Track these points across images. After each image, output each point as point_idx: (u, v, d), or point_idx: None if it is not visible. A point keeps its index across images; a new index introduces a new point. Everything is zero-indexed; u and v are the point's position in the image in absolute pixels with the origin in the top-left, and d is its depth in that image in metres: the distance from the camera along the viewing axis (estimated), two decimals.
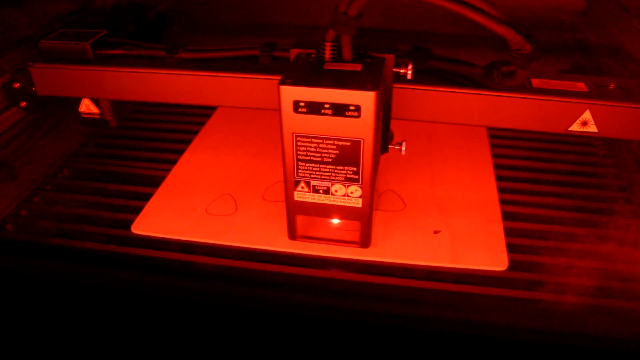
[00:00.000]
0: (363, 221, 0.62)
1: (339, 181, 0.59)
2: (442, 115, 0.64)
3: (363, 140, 0.55)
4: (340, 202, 0.60)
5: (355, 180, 0.58)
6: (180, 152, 0.84)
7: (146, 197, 0.74)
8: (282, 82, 0.54)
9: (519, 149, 0.85)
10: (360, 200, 0.60)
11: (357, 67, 0.57)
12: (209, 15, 1.19)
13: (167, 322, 0.58)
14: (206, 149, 0.85)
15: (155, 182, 0.77)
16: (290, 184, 0.60)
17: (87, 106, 0.74)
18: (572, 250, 0.65)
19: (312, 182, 0.60)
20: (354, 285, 0.62)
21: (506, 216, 0.70)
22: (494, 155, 0.82)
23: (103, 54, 0.71)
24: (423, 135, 0.88)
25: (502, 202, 0.72)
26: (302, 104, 0.54)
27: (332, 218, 0.62)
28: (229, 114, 0.95)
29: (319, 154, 0.57)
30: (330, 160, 0.57)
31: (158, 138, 0.89)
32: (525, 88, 0.63)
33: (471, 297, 0.60)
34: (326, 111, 0.54)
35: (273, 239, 0.66)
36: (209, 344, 0.57)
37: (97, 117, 0.75)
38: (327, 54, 0.57)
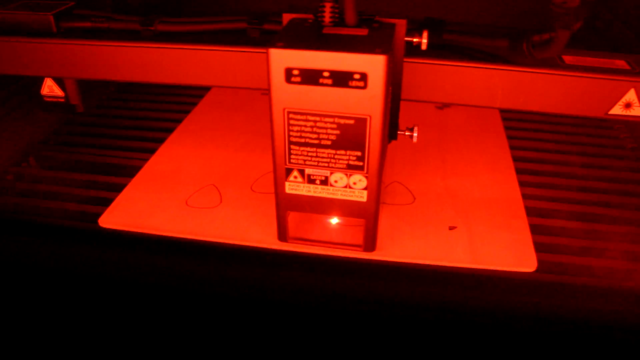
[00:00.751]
0: (368, 219, 0.52)
1: (339, 169, 0.49)
2: (460, 96, 0.56)
3: (370, 117, 0.46)
4: (341, 195, 0.51)
5: (360, 168, 0.49)
6: (162, 141, 0.76)
7: (119, 189, 0.66)
8: (271, 45, 0.44)
9: (535, 139, 0.79)
10: (365, 193, 0.50)
11: (363, 31, 0.47)
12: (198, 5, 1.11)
13: (137, 328, 0.51)
14: (191, 137, 0.77)
15: (131, 173, 0.70)
16: (281, 173, 0.51)
17: (50, 88, 0.65)
18: (607, 250, 0.59)
19: (307, 171, 0.50)
20: (357, 291, 0.54)
21: (529, 211, 0.63)
22: (511, 147, 0.76)
23: (68, 26, 0.62)
24: (432, 121, 0.81)
25: (524, 196, 0.66)
26: (295, 72, 0.45)
27: (331, 214, 0.53)
28: (221, 98, 0.88)
29: (315, 135, 0.48)
30: (329, 142, 0.48)
31: (138, 126, 0.82)
32: (557, 64, 0.54)
33: (496, 303, 0.53)
34: (325, 81, 0.44)
35: (261, 235, 0.58)
36: (182, 354, 0.50)
37: (62, 100, 0.66)
38: (327, 18, 0.48)
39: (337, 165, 0.49)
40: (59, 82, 0.65)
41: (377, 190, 0.50)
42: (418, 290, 0.54)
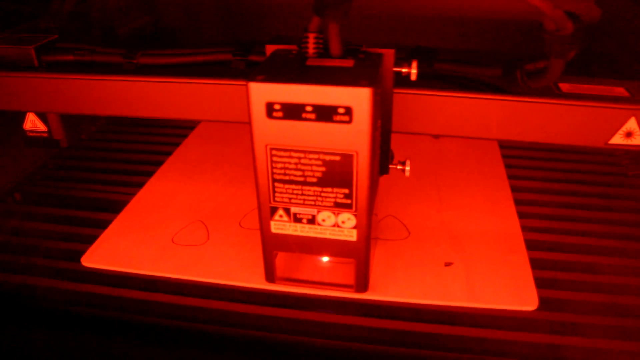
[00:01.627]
0: (359, 259, 0.50)
1: (327, 207, 0.47)
2: (455, 127, 0.53)
3: (357, 152, 0.43)
4: (330, 234, 0.48)
5: (348, 206, 0.46)
6: (150, 175, 0.74)
7: (105, 225, 0.64)
8: (251, 79, 0.42)
9: (534, 167, 0.77)
10: (355, 232, 0.48)
11: (349, 62, 0.45)
12: (189, 35, 1.11)
13: None
14: (179, 171, 0.75)
15: (118, 208, 0.67)
16: (266, 212, 0.48)
17: (32, 122, 0.64)
18: (613, 285, 0.56)
19: (293, 209, 0.48)
20: (349, 331, 0.51)
21: (529, 245, 0.60)
22: (510, 177, 0.73)
23: (50, 60, 0.60)
24: (428, 152, 0.79)
25: (523, 228, 0.63)
26: (277, 106, 0.42)
27: (319, 254, 0.51)
28: (209, 132, 0.86)
29: (300, 172, 0.45)
30: (315, 180, 0.45)
31: (127, 159, 0.80)
32: (553, 93, 0.52)
33: (495, 343, 0.49)
34: (308, 115, 0.42)
35: (249, 274, 0.56)
36: None
37: (45, 135, 0.64)
38: (311, 48, 0.46)
39: (324, 204, 0.47)
40: (42, 116, 0.64)
41: (367, 229, 0.47)
42: (413, 330, 0.51)
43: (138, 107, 0.58)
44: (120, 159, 0.80)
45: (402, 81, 0.50)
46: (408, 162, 0.54)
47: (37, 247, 0.62)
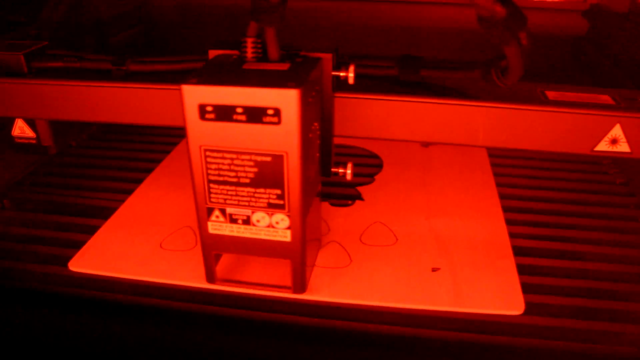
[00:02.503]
0: (294, 260, 0.50)
1: (260, 208, 0.47)
2: (440, 135, 0.53)
3: (286, 153, 0.44)
4: (265, 235, 0.49)
5: (281, 207, 0.47)
6: (140, 182, 0.75)
7: (93, 231, 0.64)
8: (185, 81, 0.43)
9: (522, 176, 0.77)
10: (289, 232, 0.48)
11: (284, 66, 0.46)
12: (181, 43, 1.12)
13: None
14: (169, 178, 0.75)
15: (107, 214, 0.67)
16: (203, 213, 0.49)
17: (21, 129, 0.64)
18: (599, 291, 0.56)
19: (229, 210, 0.48)
20: (333, 335, 0.51)
21: (516, 251, 0.60)
22: (498, 185, 0.73)
23: (40, 66, 0.61)
24: (416, 159, 0.79)
25: (511, 235, 0.63)
26: (209, 108, 0.43)
27: (256, 255, 0.51)
28: None
29: (234, 173, 0.46)
30: (248, 180, 0.46)
31: (117, 166, 0.80)
32: (540, 100, 0.52)
33: (481, 348, 0.49)
34: (239, 117, 0.43)
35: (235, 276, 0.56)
36: None
37: (34, 142, 0.64)
38: (249, 53, 0.47)
39: (258, 204, 0.47)
40: (30, 122, 0.64)
41: (301, 230, 0.48)
42: (399, 335, 0.51)
43: (128, 114, 0.59)
44: (110, 165, 0.80)
45: (389, 88, 0.51)
46: (350, 165, 0.54)
47: (25, 252, 0.62)
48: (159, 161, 0.80)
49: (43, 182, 0.76)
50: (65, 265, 0.59)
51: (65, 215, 0.68)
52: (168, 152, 0.82)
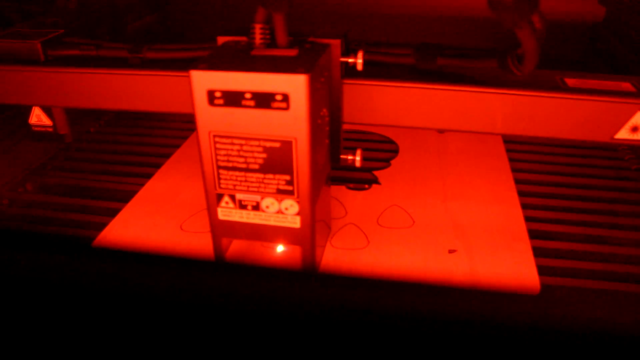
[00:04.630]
0: (304, 246, 0.50)
1: (270, 194, 0.48)
2: (459, 122, 0.53)
3: (295, 139, 0.44)
4: (274, 221, 0.49)
5: (290, 193, 0.47)
6: (159, 166, 0.76)
7: (115, 214, 0.65)
8: (193, 67, 0.43)
9: (537, 161, 0.77)
10: (298, 218, 0.48)
11: (292, 52, 0.46)
12: (196, 32, 1.12)
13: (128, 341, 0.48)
14: (187, 162, 0.76)
15: (127, 198, 0.68)
16: (212, 199, 0.49)
17: (38, 117, 0.64)
18: (615, 274, 0.56)
19: (238, 196, 0.48)
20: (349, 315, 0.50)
21: (532, 234, 0.61)
22: (514, 170, 0.73)
23: (56, 54, 0.61)
24: (432, 145, 0.79)
25: (526, 218, 0.63)
26: (218, 94, 0.43)
27: (265, 241, 0.51)
28: None
29: (243, 159, 0.46)
30: (257, 166, 0.46)
31: (136, 152, 0.81)
32: (559, 87, 0.51)
33: (498, 327, 0.48)
34: (248, 102, 0.43)
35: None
36: None
37: (50, 130, 0.64)
38: (257, 39, 0.47)
39: (267, 190, 0.47)
40: (47, 111, 0.64)
41: (311, 216, 0.48)
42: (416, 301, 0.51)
43: (144, 102, 0.59)
44: (129, 151, 0.80)
45: (411, 76, 0.50)
46: (359, 152, 0.54)
47: (49, 234, 0.63)
48: (177, 147, 0.80)
49: (63, 167, 0.77)
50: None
51: (87, 199, 0.69)
52: (186, 138, 0.83)
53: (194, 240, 0.60)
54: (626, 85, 0.52)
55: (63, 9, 0.77)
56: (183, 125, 0.87)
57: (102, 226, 0.62)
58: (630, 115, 0.50)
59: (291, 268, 0.54)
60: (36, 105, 0.63)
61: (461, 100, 0.52)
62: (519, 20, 0.43)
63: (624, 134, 0.51)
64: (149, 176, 0.73)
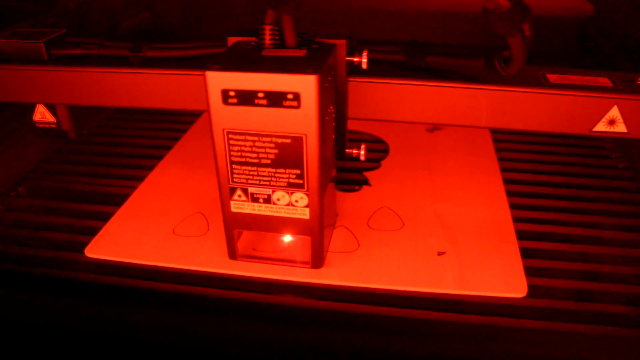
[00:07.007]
0: (313, 236, 0.53)
1: (281, 187, 0.50)
2: (446, 117, 0.56)
3: (305, 135, 0.47)
4: (285, 213, 0.52)
5: (300, 186, 0.50)
6: (152, 168, 0.76)
7: (107, 218, 0.66)
8: (208, 68, 0.46)
9: (526, 160, 0.78)
10: (308, 210, 0.51)
11: (301, 52, 0.48)
12: (185, 30, 1.13)
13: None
14: (180, 164, 0.76)
15: (120, 201, 0.69)
16: (225, 193, 0.52)
17: (41, 114, 0.66)
18: (601, 274, 0.57)
19: (250, 190, 0.51)
20: (342, 317, 0.53)
21: (520, 235, 0.62)
22: (502, 169, 0.74)
23: (59, 53, 0.63)
24: (422, 144, 0.80)
25: (514, 219, 0.64)
26: (232, 93, 0.46)
27: (276, 232, 0.54)
28: None
29: (255, 155, 0.49)
30: (269, 161, 0.49)
31: (128, 153, 0.81)
32: (541, 83, 0.54)
33: (485, 329, 0.51)
34: (260, 101, 0.46)
35: (246, 263, 0.58)
36: None
37: (54, 126, 0.66)
38: (267, 40, 0.50)
39: (278, 184, 0.50)
40: (51, 108, 0.66)
41: (319, 208, 0.51)
42: (406, 317, 0.52)
43: (145, 99, 0.61)
44: (121, 153, 0.81)
45: (402, 74, 0.53)
46: (363, 146, 0.56)
47: (41, 239, 0.63)
48: (169, 147, 0.81)
49: (56, 170, 0.77)
50: (81, 251, 0.60)
51: (79, 203, 0.69)
52: (178, 139, 0.83)
53: (187, 244, 0.60)
54: (604, 80, 0.55)
55: (64, 8, 0.79)
56: (176, 126, 0.87)
57: (95, 230, 0.63)
58: (607, 109, 0.53)
59: (300, 260, 0.56)
60: (41, 102, 0.65)
61: (450, 96, 0.55)
62: (512, 29, 0.46)
63: (601, 127, 0.54)
64: (141, 179, 0.73)
